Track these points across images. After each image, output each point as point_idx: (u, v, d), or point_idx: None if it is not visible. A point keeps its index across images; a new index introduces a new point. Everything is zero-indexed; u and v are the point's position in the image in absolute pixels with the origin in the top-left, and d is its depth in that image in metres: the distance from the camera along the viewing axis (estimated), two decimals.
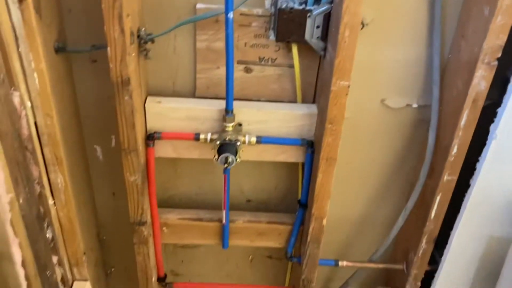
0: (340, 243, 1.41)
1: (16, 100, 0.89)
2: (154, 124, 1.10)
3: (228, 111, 1.05)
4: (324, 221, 1.17)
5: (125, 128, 1.01)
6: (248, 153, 1.14)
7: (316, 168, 1.10)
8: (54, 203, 1.10)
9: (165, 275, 1.36)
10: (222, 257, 1.47)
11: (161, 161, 1.22)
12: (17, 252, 0.89)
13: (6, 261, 0.87)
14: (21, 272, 0.91)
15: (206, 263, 1.47)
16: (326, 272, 1.49)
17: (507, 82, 0.98)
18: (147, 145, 1.10)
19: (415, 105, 1.15)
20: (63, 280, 1.19)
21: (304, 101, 1.13)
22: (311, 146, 1.11)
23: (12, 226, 0.86)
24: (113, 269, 1.47)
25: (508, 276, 1.15)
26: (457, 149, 1.05)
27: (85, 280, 1.26)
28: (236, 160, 1.06)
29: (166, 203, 1.31)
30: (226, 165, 1.05)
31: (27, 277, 0.94)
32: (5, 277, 0.88)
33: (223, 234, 1.26)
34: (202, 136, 1.08)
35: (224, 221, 1.23)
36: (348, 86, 0.95)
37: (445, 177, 1.10)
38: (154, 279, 1.30)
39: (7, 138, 0.84)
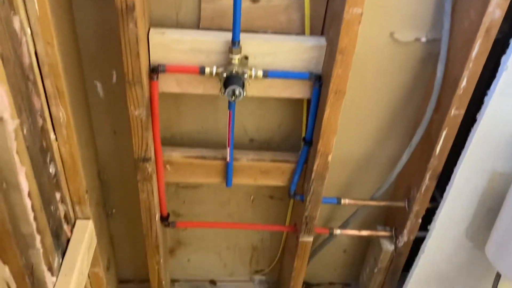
0: (342, 183, 1.42)
1: (16, 24, 0.85)
2: (157, 57, 1.06)
3: (234, 42, 1.02)
4: (329, 158, 1.17)
5: (130, 59, 0.98)
6: (253, 88, 1.11)
7: (324, 102, 1.08)
8: (56, 138, 1.08)
9: (168, 215, 1.36)
10: (224, 197, 1.47)
11: (164, 98, 1.20)
12: (23, 182, 0.87)
13: (14, 190, 0.85)
14: (28, 202, 0.90)
15: (207, 203, 1.48)
16: (326, 212, 1.50)
17: None
18: (151, 79, 1.07)
19: (424, 39, 1.13)
20: (66, 217, 1.18)
21: (312, 33, 1.10)
22: (319, 80, 1.09)
23: (18, 155, 0.84)
24: (114, 210, 1.46)
25: (508, 212, 1.17)
26: (466, 82, 1.04)
27: (88, 219, 1.25)
28: (243, 93, 1.04)
29: (169, 142, 1.30)
30: (233, 98, 1.03)
31: (33, 209, 0.93)
32: (13, 206, 0.86)
33: (227, 172, 1.25)
34: (207, 69, 1.06)
35: (228, 159, 1.22)
36: (361, 14, 0.93)
37: (453, 111, 1.09)
38: (157, 217, 1.30)
39: (9, 63, 0.81)
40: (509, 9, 0.97)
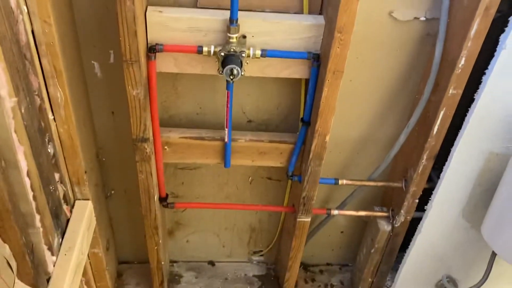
0: (340, 164, 1.43)
1: (12, 1, 0.84)
2: (155, 36, 1.06)
3: (232, 21, 1.01)
4: (327, 138, 1.17)
5: (127, 37, 0.97)
6: (251, 68, 1.11)
7: (322, 82, 1.08)
8: (54, 118, 1.08)
9: (167, 195, 1.36)
10: (222, 179, 1.47)
11: (161, 79, 1.20)
12: (22, 160, 0.87)
13: (13, 169, 0.86)
14: (27, 181, 0.90)
15: (205, 185, 1.48)
16: (324, 193, 1.51)
17: None
18: (148, 58, 1.06)
19: (423, 18, 1.13)
20: (65, 198, 1.18)
21: (310, 12, 1.10)
22: (317, 60, 1.09)
23: (16, 133, 0.84)
24: (112, 192, 1.47)
25: (504, 192, 1.18)
26: (464, 61, 1.04)
27: (87, 199, 1.26)
28: (241, 73, 1.04)
29: (167, 123, 1.30)
30: (231, 78, 1.03)
31: (32, 188, 0.93)
32: (12, 185, 0.87)
33: (225, 153, 1.26)
34: (205, 49, 1.05)
35: (226, 139, 1.22)
36: None
37: (450, 91, 1.10)
38: (156, 198, 1.30)
39: (6, 41, 0.80)
40: None
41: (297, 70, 1.13)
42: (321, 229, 1.57)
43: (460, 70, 1.06)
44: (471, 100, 1.13)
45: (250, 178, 1.47)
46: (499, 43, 1.01)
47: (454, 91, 1.10)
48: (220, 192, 1.50)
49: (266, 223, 1.62)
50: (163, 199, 1.35)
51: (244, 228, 1.63)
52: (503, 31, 1.01)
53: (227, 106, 1.15)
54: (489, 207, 1.25)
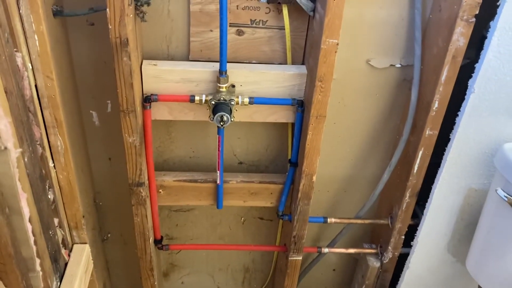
0: (328, 203, 1.49)
1: (19, 61, 0.92)
2: (150, 86, 1.13)
3: (222, 72, 1.09)
4: (314, 178, 1.23)
5: (124, 89, 1.05)
6: (240, 114, 1.19)
7: (306, 126, 1.15)
8: (54, 166, 1.14)
9: (162, 237, 1.41)
10: (215, 220, 1.52)
11: (156, 125, 1.27)
12: (25, 207, 0.92)
13: (16, 215, 0.91)
14: (29, 227, 0.95)
15: (199, 226, 1.53)
16: (314, 232, 1.56)
17: (484, 40, 1.05)
18: (144, 108, 1.14)
19: (398, 65, 1.22)
20: (64, 242, 1.23)
21: (293, 62, 1.18)
22: (301, 106, 1.17)
23: (20, 181, 0.90)
24: (109, 235, 1.51)
25: (484, 227, 1.24)
26: (438, 104, 1.12)
27: (84, 243, 1.30)
28: (230, 119, 1.11)
29: (162, 167, 1.36)
30: (221, 124, 1.10)
31: (33, 233, 0.98)
32: (15, 230, 0.91)
33: (217, 195, 1.31)
34: (197, 98, 1.13)
35: (218, 181, 1.28)
36: (337, 44, 1.01)
37: (427, 132, 1.17)
38: (151, 240, 1.34)
39: (12, 97, 0.87)
40: (474, 37, 1.06)
41: (283, 115, 1.21)
42: (314, 267, 1.61)
43: (434, 113, 1.14)
44: (448, 139, 1.20)
45: (242, 218, 1.52)
46: (468, 87, 1.10)
47: (430, 132, 1.17)
48: (214, 233, 1.55)
49: (260, 263, 1.66)
50: (158, 241, 1.40)
51: (238, 268, 1.66)
52: (471, 76, 1.09)
53: (218, 150, 1.22)
54: (471, 241, 1.30)
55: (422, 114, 1.18)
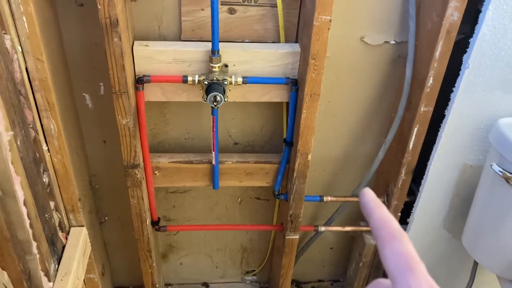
0: (324, 181, 1.49)
1: (7, 43, 0.91)
2: (142, 68, 1.12)
3: (214, 52, 1.08)
4: (309, 157, 1.23)
5: (115, 71, 1.04)
6: (234, 94, 1.18)
7: (301, 105, 1.15)
8: (48, 149, 1.13)
9: (159, 219, 1.41)
10: (212, 201, 1.53)
11: (150, 107, 1.26)
12: (19, 190, 0.92)
13: (10, 198, 0.91)
14: (24, 210, 0.95)
15: (196, 207, 1.53)
16: (311, 211, 1.57)
17: (479, 14, 1.04)
18: (136, 89, 1.13)
19: (392, 42, 1.21)
20: (61, 225, 1.23)
21: (286, 40, 1.17)
22: (295, 84, 1.16)
23: (13, 165, 0.89)
24: (106, 218, 1.52)
25: (479, 203, 1.24)
26: (432, 80, 1.12)
27: (81, 226, 1.30)
28: (224, 99, 1.10)
29: (157, 149, 1.36)
30: (215, 104, 1.10)
31: (29, 217, 0.98)
32: (9, 214, 0.92)
33: (213, 175, 1.31)
34: (190, 78, 1.12)
35: (213, 162, 1.28)
36: (330, 21, 1.00)
37: (422, 108, 1.17)
38: (148, 222, 1.35)
39: (2, 79, 0.86)
40: (469, 11, 1.05)
41: (277, 94, 1.20)
42: (311, 246, 1.62)
43: (429, 89, 1.13)
44: (443, 116, 1.20)
45: (239, 198, 1.53)
46: (463, 62, 1.09)
47: (425, 108, 1.17)
48: (211, 213, 1.56)
49: (257, 243, 1.67)
50: (155, 223, 1.40)
51: (236, 248, 1.67)
52: (466, 52, 1.08)
53: (213, 131, 1.21)
54: (467, 217, 1.31)
55: (416, 91, 1.18)
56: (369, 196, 0.36)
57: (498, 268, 1.24)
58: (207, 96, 1.10)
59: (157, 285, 1.50)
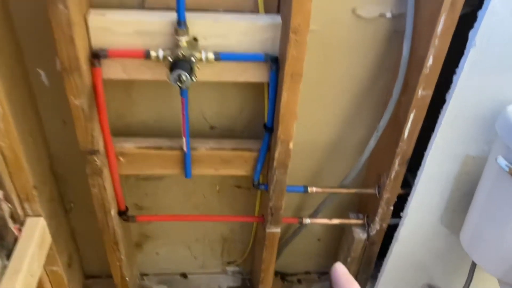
0: (310, 171, 1.36)
1: None
2: (99, 40, 0.98)
3: (180, 23, 0.93)
4: (291, 145, 1.10)
5: (63, 44, 0.90)
6: (206, 73, 1.03)
7: (281, 86, 1.01)
8: None
9: (127, 208, 1.29)
10: (188, 188, 1.40)
11: (112, 86, 1.12)
12: None
13: None
14: None
15: (171, 195, 1.40)
16: (296, 201, 1.44)
17: None
18: (92, 65, 0.98)
19: (389, 15, 1.05)
20: (13, 216, 1.11)
21: (267, 11, 1.02)
22: (275, 63, 1.01)
23: None
24: (72, 205, 1.39)
25: (481, 198, 1.11)
26: (432, 60, 0.97)
27: (39, 216, 1.18)
28: (191, 79, 0.96)
29: (124, 132, 1.22)
30: (180, 85, 0.95)
31: None
32: None
33: (185, 163, 1.18)
34: (153, 53, 0.97)
35: (185, 149, 1.14)
36: None
37: (420, 92, 1.02)
38: (113, 212, 1.22)
39: None
40: None
41: (255, 74, 1.05)
42: (296, 238, 1.50)
43: (428, 70, 0.99)
44: (443, 100, 1.06)
45: (217, 186, 1.40)
46: (469, 39, 0.94)
47: (423, 92, 1.03)
48: (188, 202, 1.43)
49: (239, 233, 1.55)
50: (122, 213, 1.27)
51: (216, 239, 1.55)
52: (472, 27, 0.93)
53: (182, 114, 1.08)
54: (467, 214, 1.18)
55: (414, 72, 1.03)
56: (340, 271, 0.35)
57: (499, 271, 1.11)
58: (171, 74, 0.95)
59: (126, 278, 1.39)
